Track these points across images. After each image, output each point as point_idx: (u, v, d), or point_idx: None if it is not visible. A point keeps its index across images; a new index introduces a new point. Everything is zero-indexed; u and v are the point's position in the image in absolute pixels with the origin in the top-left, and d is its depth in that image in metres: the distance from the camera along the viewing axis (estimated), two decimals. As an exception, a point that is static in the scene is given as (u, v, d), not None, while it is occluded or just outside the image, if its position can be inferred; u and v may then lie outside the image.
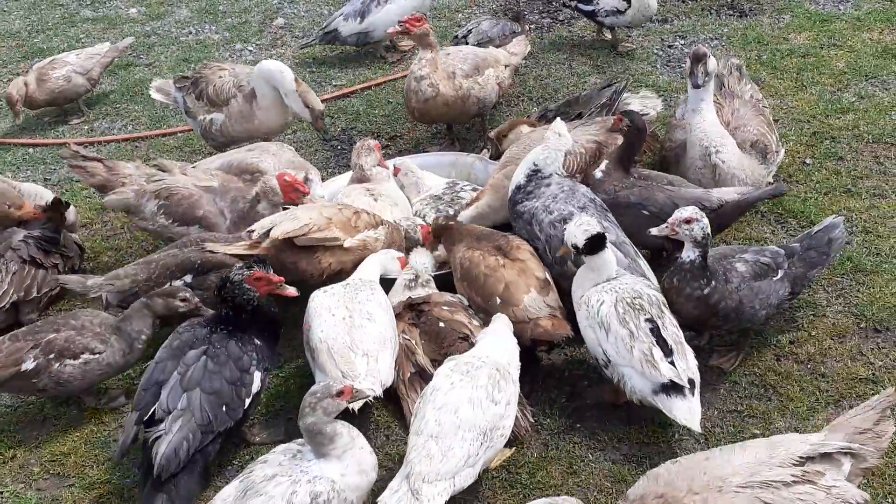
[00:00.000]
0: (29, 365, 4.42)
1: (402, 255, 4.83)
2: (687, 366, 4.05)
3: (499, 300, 4.46)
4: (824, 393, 4.34)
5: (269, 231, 4.70)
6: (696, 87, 5.21)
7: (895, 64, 6.84)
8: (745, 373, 4.48)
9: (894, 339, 4.60)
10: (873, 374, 4.40)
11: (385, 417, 4.49)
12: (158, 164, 5.71)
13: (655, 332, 4.09)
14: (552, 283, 4.57)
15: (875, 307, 4.77)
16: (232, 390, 4.13)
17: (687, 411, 3.97)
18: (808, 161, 5.92)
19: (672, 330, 4.13)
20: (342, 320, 4.31)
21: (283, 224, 4.68)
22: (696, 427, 3.96)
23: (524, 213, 4.79)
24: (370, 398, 4.02)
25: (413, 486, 3.67)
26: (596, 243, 4.22)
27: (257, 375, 4.24)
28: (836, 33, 7.35)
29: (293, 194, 5.12)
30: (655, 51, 7.56)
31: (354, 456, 3.68)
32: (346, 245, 4.77)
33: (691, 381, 4.01)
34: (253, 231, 4.74)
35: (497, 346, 4.16)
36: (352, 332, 4.27)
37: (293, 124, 6.58)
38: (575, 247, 4.25)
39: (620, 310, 4.12)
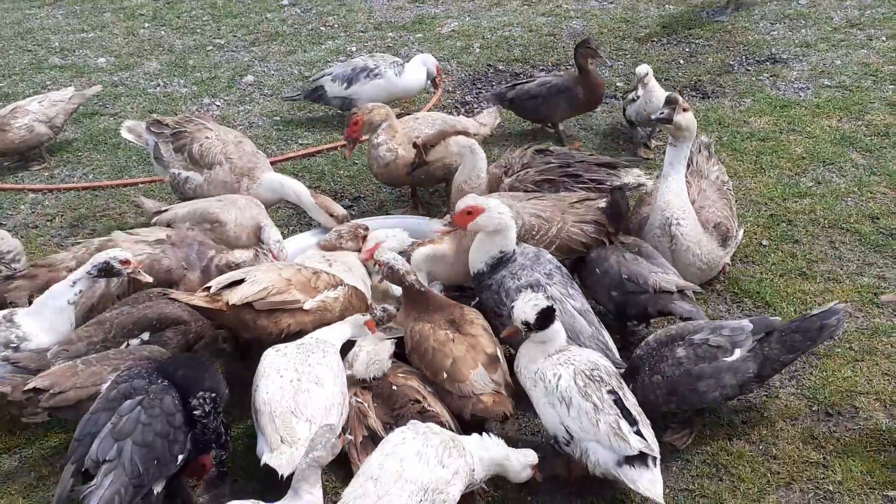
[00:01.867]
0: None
1: (369, 317, 4.77)
2: (651, 436, 4.04)
3: (445, 374, 4.42)
4: (775, 475, 4.34)
5: (226, 286, 4.66)
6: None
7: (852, 151, 6.99)
8: (697, 451, 4.47)
9: (845, 424, 4.61)
10: (824, 458, 4.41)
11: (333, 482, 4.41)
12: (138, 202, 5.72)
13: (619, 403, 4.07)
14: (502, 358, 4.54)
15: (827, 391, 4.79)
16: (164, 445, 4.02)
17: (650, 482, 3.95)
18: (764, 242, 6.00)
19: (632, 400, 4.13)
20: (289, 383, 4.25)
21: (241, 287, 4.63)
22: (659, 498, 3.94)
23: (492, 285, 4.80)
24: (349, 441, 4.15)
25: None
26: (547, 317, 4.21)
27: (189, 435, 4.14)
28: (795, 119, 7.50)
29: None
30: (619, 128, 7.66)
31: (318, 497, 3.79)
32: (305, 307, 4.72)
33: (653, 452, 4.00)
34: (210, 287, 4.69)
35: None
36: (297, 397, 4.20)
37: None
38: (526, 323, 4.22)
39: (580, 383, 4.10)
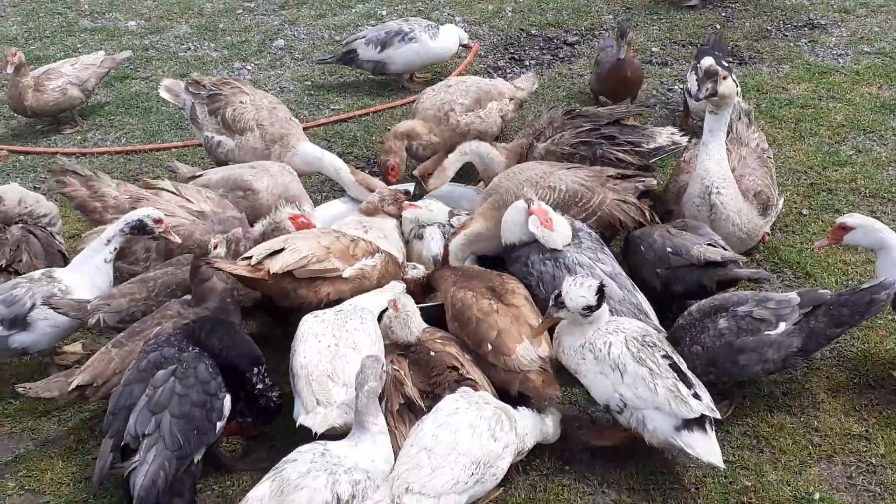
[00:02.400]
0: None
1: (401, 286, 4.73)
2: (709, 398, 4.00)
3: (490, 346, 4.38)
4: (817, 448, 4.29)
5: (267, 256, 4.64)
6: (698, 99, 5.16)
7: (893, 120, 6.87)
8: (737, 422, 4.42)
9: (888, 397, 4.55)
10: (867, 431, 4.36)
11: (371, 449, 4.40)
12: (172, 166, 5.84)
13: (675, 367, 4.02)
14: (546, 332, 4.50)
15: (869, 363, 4.73)
16: (202, 414, 4.01)
17: (708, 448, 3.92)
18: (804, 212, 5.91)
19: (685, 364, 4.09)
20: (326, 348, 4.26)
21: (282, 256, 4.58)
22: (719, 462, 3.91)
23: (520, 256, 4.76)
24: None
25: (395, 491, 3.65)
26: (602, 292, 4.15)
27: (227, 400, 4.14)
28: (834, 86, 7.38)
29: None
30: (654, 93, 7.57)
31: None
32: (345, 275, 4.70)
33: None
34: (251, 257, 4.66)
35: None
36: (334, 361, 4.22)
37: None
38: (588, 307, 4.10)
39: (634, 348, 4.04)
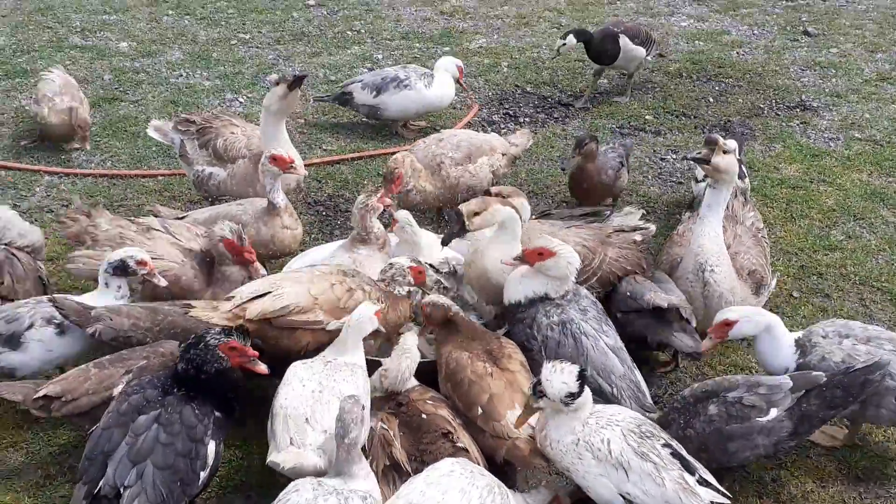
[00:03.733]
0: (120, 389, 4.19)
1: (377, 307, 4.50)
2: (713, 480, 3.92)
3: (480, 410, 4.27)
4: (806, 537, 4.24)
5: (250, 299, 4.51)
6: (685, 158, 5.15)
7: (882, 208, 6.92)
8: (726, 508, 4.36)
9: (877, 491, 4.51)
10: (855, 526, 4.32)
11: None
12: (153, 210, 5.55)
13: (676, 455, 3.92)
14: None
15: (858, 454, 4.70)
16: (186, 464, 3.83)
17: None
18: (795, 294, 5.91)
19: (682, 449, 4.00)
20: (310, 392, 4.14)
21: (262, 301, 4.46)
22: None
23: (525, 318, 4.66)
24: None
25: None
26: (584, 378, 3.98)
27: (211, 447, 3.96)
28: (825, 169, 7.43)
29: (238, 259, 5.03)
30: (647, 161, 7.57)
31: (374, 479, 3.81)
32: (328, 328, 4.56)
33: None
34: (233, 297, 4.54)
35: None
36: (315, 406, 4.09)
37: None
38: (571, 395, 3.92)
39: (634, 443, 3.91)
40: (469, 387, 4.32)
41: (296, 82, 5.85)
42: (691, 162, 6.09)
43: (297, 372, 4.28)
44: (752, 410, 4.26)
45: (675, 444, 4.00)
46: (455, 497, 3.71)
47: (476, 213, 4.95)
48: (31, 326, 4.59)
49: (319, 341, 4.55)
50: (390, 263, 4.90)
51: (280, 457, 3.93)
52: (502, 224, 4.97)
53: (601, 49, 8.16)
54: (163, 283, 4.83)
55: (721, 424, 4.25)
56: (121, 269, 4.77)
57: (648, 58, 8.41)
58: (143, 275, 4.80)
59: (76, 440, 4.59)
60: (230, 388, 4.14)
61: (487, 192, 5.53)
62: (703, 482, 3.89)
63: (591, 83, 8.64)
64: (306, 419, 4.04)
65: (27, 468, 4.44)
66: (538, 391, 3.97)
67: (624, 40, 8.11)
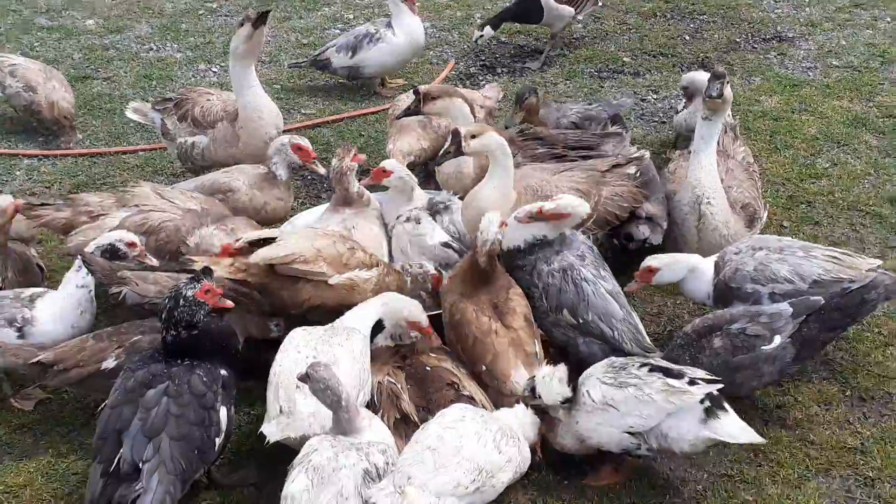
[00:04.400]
0: (109, 364, 4.23)
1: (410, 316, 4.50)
2: (705, 373, 3.99)
3: (484, 368, 4.32)
4: (814, 461, 4.29)
5: (253, 242, 4.53)
6: (711, 97, 5.02)
7: (865, 133, 6.95)
8: (733, 436, 4.40)
9: (879, 409, 4.58)
10: (862, 444, 4.38)
11: (365, 464, 4.29)
12: (138, 185, 5.49)
13: (656, 369, 3.97)
14: (541, 354, 4.42)
15: (859, 376, 4.76)
16: (201, 432, 3.84)
17: (742, 428, 3.89)
18: (785, 224, 5.94)
19: (664, 362, 4.06)
20: (304, 359, 4.11)
21: (267, 248, 4.45)
22: (760, 439, 3.92)
23: (525, 266, 4.65)
24: None
25: (397, 482, 3.61)
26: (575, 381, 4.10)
27: (223, 412, 3.97)
28: (806, 98, 7.45)
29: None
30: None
31: (380, 424, 3.92)
32: (330, 282, 4.55)
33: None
34: (239, 240, 4.55)
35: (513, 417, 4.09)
36: None
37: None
38: (567, 400, 4.04)
39: (609, 380, 3.98)
40: (473, 343, 4.35)
41: (260, 19, 5.77)
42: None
43: (295, 338, 4.27)
44: (757, 340, 4.31)
45: (653, 360, 4.05)
46: (472, 441, 3.78)
47: (474, 136, 4.99)
48: None
49: (321, 297, 4.55)
50: (420, 264, 4.96)
51: (267, 428, 3.94)
52: (493, 155, 4.99)
53: (523, 11, 8.00)
54: (153, 262, 4.81)
55: (727, 356, 4.29)
56: (110, 252, 4.73)
57: (579, 17, 8.18)
58: (134, 256, 4.77)
59: (84, 418, 4.59)
60: (223, 335, 4.13)
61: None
62: (694, 382, 3.92)
63: (551, 43, 8.43)
64: (297, 385, 4.00)
65: (37, 448, 4.43)
66: (536, 395, 4.07)
67: (546, 0, 7.87)
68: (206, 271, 4.09)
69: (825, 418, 4.53)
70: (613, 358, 4.19)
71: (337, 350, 4.17)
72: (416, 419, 4.15)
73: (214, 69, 8.36)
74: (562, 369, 4.07)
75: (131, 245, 4.75)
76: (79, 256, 4.72)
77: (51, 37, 9.07)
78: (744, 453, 4.31)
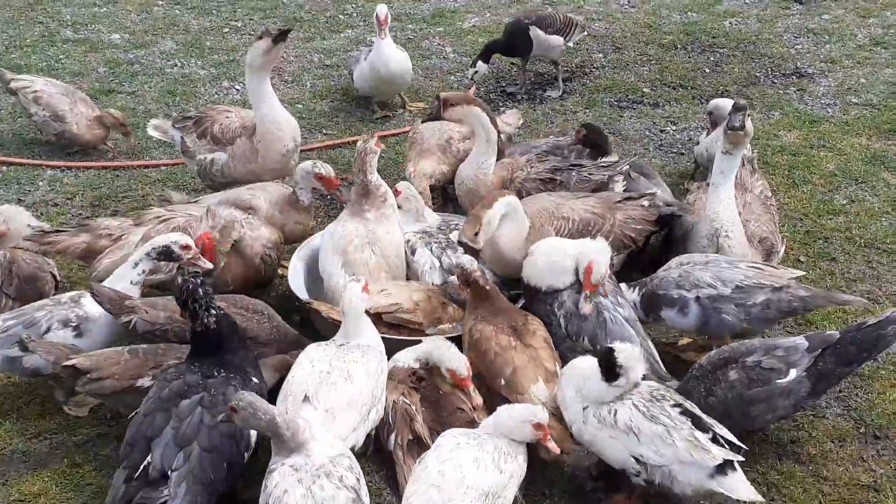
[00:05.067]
0: (145, 383, 4.25)
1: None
2: (730, 435, 3.98)
3: (503, 382, 4.34)
4: (827, 497, 4.29)
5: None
6: (733, 128, 5.06)
7: (883, 171, 6.96)
8: (747, 469, 4.32)
9: (894, 448, 4.57)
10: (875, 482, 4.37)
11: (377, 482, 4.32)
12: (165, 196, 5.73)
13: (687, 414, 3.97)
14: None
15: (874, 413, 4.75)
16: (231, 445, 3.88)
17: (745, 486, 3.90)
18: (801, 259, 5.95)
19: (698, 411, 4.04)
20: (318, 373, 4.18)
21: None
22: (760, 498, 3.93)
23: (546, 299, 4.69)
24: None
25: None
26: None
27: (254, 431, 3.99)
28: (825, 135, 7.47)
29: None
30: (647, 134, 7.60)
31: (319, 428, 3.83)
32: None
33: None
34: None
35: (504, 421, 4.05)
36: (319, 386, 4.12)
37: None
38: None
39: (643, 408, 3.97)
40: (494, 358, 4.38)
41: (280, 36, 5.83)
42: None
43: (310, 353, 4.33)
44: (773, 373, 4.31)
45: (687, 404, 4.04)
46: (471, 469, 3.79)
47: (453, 104, 5.57)
48: (48, 330, 4.61)
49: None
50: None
51: None
52: (473, 126, 5.67)
53: (512, 45, 8.03)
54: (207, 265, 4.86)
55: (742, 389, 4.29)
56: (165, 254, 4.80)
57: (570, 44, 8.20)
58: (188, 259, 4.82)
59: (101, 429, 4.62)
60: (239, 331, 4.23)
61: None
62: (717, 440, 3.93)
63: (522, 71, 8.50)
64: (305, 396, 4.07)
65: (53, 458, 4.46)
66: (617, 372, 4.02)
67: (535, 31, 7.87)
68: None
69: (839, 455, 4.52)
70: (653, 383, 4.18)
71: (351, 366, 4.22)
72: (429, 442, 4.17)
73: (238, 87, 8.44)
74: (637, 348, 4.15)
75: (186, 248, 4.80)
76: (130, 259, 4.81)
77: (76, 50, 9.18)
78: (757, 486, 4.24)
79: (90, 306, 4.68)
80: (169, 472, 3.72)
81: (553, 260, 4.70)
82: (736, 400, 4.28)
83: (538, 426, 3.96)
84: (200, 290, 4.04)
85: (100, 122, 7.10)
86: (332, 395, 4.11)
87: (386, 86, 7.79)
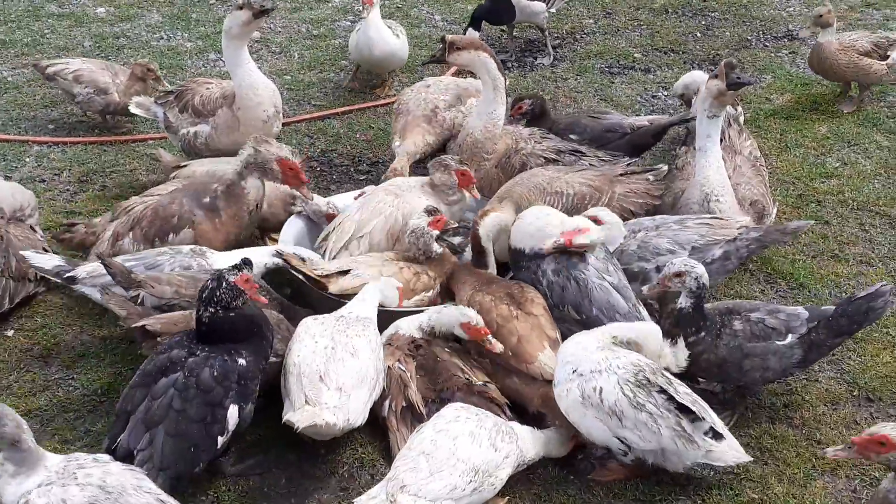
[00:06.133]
0: None
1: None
2: (713, 417, 3.97)
3: (510, 353, 4.30)
4: (820, 460, 4.27)
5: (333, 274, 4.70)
6: (737, 85, 5.15)
7: (875, 133, 6.92)
8: (740, 434, 4.36)
9: (887, 410, 4.57)
10: (868, 444, 4.36)
11: (370, 454, 4.31)
12: (156, 154, 5.84)
13: (672, 401, 3.93)
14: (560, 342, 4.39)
15: (867, 376, 4.74)
16: (201, 429, 3.85)
17: (733, 452, 3.95)
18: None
19: (682, 390, 4.01)
20: (323, 349, 4.15)
21: (345, 279, 4.66)
22: (747, 458, 4.01)
23: (530, 266, 4.64)
24: None
25: (390, 490, 3.59)
26: None
27: (233, 410, 3.96)
28: (816, 97, 7.42)
29: (293, 180, 5.12)
30: (639, 100, 7.54)
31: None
32: (402, 305, 4.67)
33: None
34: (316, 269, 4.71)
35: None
36: (328, 364, 4.10)
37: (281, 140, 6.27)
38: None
39: (629, 393, 3.91)
40: (497, 329, 4.34)
41: (261, 13, 5.79)
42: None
43: (310, 328, 4.30)
44: (773, 332, 4.34)
45: (673, 388, 3.97)
46: (465, 442, 3.77)
47: (459, 49, 5.44)
48: None
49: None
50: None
51: (296, 416, 3.94)
52: (478, 72, 5.53)
53: (495, 11, 7.93)
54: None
55: (743, 340, 4.31)
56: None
57: (552, 10, 8.12)
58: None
59: (90, 405, 4.60)
60: (257, 321, 4.14)
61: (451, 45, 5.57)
62: (699, 420, 3.91)
63: (510, 38, 8.47)
64: (320, 377, 4.05)
65: (44, 434, 4.41)
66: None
67: None
68: (247, 262, 4.14)
69: (832, 418, 4.51)
70: (641, 362, 4.05)
71: (355, 341, 4.21)
72: (422, 410, 4.16)
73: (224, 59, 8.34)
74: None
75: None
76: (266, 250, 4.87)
77: (61, 24, 9.07)
78: (750, 451, 4.26)
79: (214, 259, 4.73)
80: (134, 453, 3.73)
81: (539, 225, 4.64)
82: (736, 350, 4.29)
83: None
84: (218, 290, 3.98)
85: (135, 79, 6.93)
86: (341, 372, 4.08)
87: (374, 66, 7.66)
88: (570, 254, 4.55)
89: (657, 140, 6.26)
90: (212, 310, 3.98)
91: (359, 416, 4.09)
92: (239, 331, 4.04)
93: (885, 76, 6.95)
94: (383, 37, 7.32)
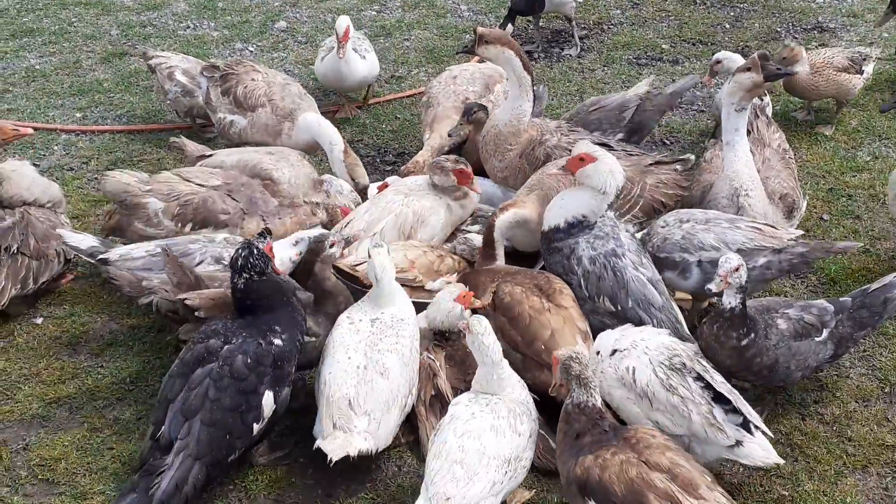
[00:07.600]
0: None
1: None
2: (749, 409, 3.93)
3: (543, 346, 4.26)
4: (851, 458, 4.24)
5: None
6: (778, 74, 5.20)
7: (907, 127, 6.85)
8: (770, 430, 4.30)
9: (919, 407, 4.53)
10: (900, 442, 4.33)
11: (401, 447, 4.30)
12: (179, 143, 5.70)
13: (708, 388, 3.91)
14: (591, 336, 4.38)
15: (898, 373, 4.70)
16: (236, 418, 3.88)
17: (762, 451, 3.86)
18: (825, 217, 5.87)
19: (719, 379, 3.99)
20: (355, 369, 4.07)
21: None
22: (779, 460, 3.88)
23: (563, 248, 4.61)
24: None
25: (434, 502, 3.57)
26: None
27: (268, 397, 3.98)
28: (847, 90, 7.33)
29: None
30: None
31: None
32: (427, 287, 4.69)
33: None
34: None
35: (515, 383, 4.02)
36: (359, 387, 4.03)
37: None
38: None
39: (662, 375, 3.90)
40: (529, 322, 4.32)
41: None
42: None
43: (344, 338, 4.18)
44: (812, 329, 4.30)
45: (710, 376, 3.96)
46: (490, 438, 3.73)
47: (488, 42, 5.37)
48: (200, 264, 4.66)
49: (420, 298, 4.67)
50: (464, 239, 5.21)
51: (328, 446, 3.92)
52: (504, 68, 5.51)
53: (526, 5, 7.89)
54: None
55: (790, 340, 4.25)
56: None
57: None
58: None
59: (119, 393, 4.62)
60: (288, 290, 4.21)
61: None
62: (735, 412, 3.88)
63: (536, 28, 8.42)
64: (349, 402, 4.00)
65: (72, 422, 4.47)
66: None
67: None
68: (268, 231, 4.26)
69: (863, 415, 4.47)
70: (675, 348, 4.07)
71: (387, 358, 4.10)
72: (450, 399, 4.13)
73: (251, 48, 8.37)
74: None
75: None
76: (292, 237, 4.80)
77: (88, 12, 9.11)
78: (780, 448, 4.24)
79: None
80: (174, 441, 3.80)
81: (567, 199, 4.64)
82: (784, 349, 4.23)
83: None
84: (251, 257, 4.02)
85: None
86: (370, 396, 4.02)
87: (346, 91, 7.29)
88: (603, 238, 4.55)
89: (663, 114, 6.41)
90: (246, 275, 4.04)
91: (385, 443, 4.09)
92: (273, 296, 4.10)
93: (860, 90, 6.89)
94: (352, 69, 6.88)
